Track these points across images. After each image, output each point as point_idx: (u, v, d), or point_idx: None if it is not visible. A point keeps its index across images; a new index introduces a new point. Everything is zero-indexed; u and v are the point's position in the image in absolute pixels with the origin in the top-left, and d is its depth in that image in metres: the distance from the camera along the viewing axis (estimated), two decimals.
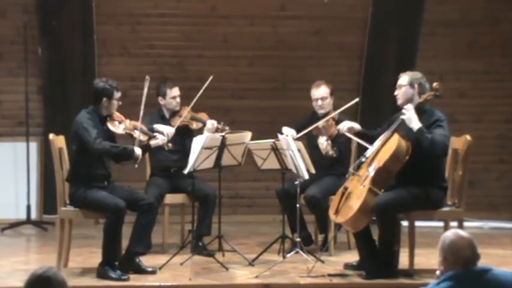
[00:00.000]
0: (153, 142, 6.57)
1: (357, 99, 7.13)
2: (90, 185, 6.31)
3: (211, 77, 7.19)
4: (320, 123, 7.06)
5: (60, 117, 8.85)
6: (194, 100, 7.19)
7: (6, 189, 8.99)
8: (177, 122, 7.21)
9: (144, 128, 6.55)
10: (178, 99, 7.39)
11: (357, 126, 6.55)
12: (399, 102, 6.32)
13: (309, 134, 7.19)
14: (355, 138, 6.57)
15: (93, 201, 6.27)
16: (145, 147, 6.54)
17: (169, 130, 6.78)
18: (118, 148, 6.28)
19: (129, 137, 6.42)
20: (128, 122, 6.45)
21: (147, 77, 6.57)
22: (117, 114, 6.44)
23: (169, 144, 6.74)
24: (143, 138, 6.46)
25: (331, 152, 6.86)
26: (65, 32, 8.95)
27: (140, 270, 6.29)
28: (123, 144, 6.44)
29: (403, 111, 6.17)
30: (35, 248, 8.20)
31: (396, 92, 6.33)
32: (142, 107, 6.45)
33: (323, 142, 6.92)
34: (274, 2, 9.20)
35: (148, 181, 7.34)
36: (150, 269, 6.34)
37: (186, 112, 7.29)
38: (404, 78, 6.31)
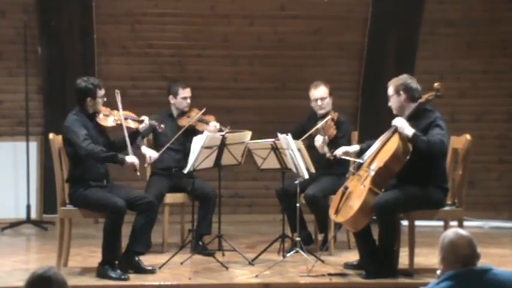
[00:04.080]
0: (141, 126, 6.61)
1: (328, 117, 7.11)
2: (89, 185, 6.31)
3: (204, 109, 7.24)
4: (319, 125, 7.05)
5: (60, 116, 8.75)
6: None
7: (6, 189, 8.99)
8: (185, 122, 7.25)
9: (132, 115, 6.60)
10: (188, 100, 7.44)
11: (353, 149, 6.56)
12: (394, 111, 6.33)
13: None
14: (352, 159, 6.56)
15: (93, 201, 6.28)
16: (136, 133, 6.58)
17: (152, 154, 6.81)
18: (107, 154, 6.27)
19: (119, 127, 6.45)
20: (115, 112, 6.49)
21: (117, 90, 6.52)
22: (103, 109, 6.46)
23: (162, 126, 6.90)
24: (133, 125, 6.52)
25: (328, 155, 6.81)
26: (64, 31, 8.95)
27: (139, 270, 6.29)
28: (117, 136, 6.54)
29: (393, 122, 6.17)
30: (35, 247, 8.19)
31: (389, 103, 6.34)
32: (120, 109, 6.46)
33: (319, 140, 6.92)
34: (274, 2, 9.20)
35: (149, 180, 7.35)
36: (149, 268, 6.34)
37: (194, 114, 7.31)
38: (390, 89, 6.30)
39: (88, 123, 6.35)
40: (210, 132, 7.12)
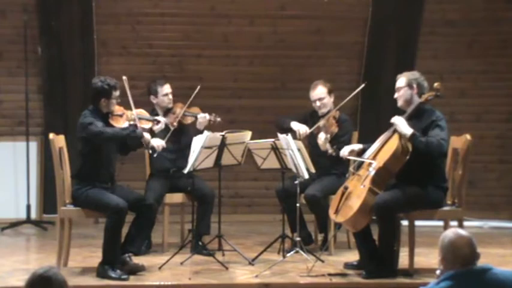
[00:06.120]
0: (156, 127, 6.64)
1: (362, 85, 7.25)
2: (94, 184, 6.31)
3: (198, 87, 7.21)
4: (321, 123, 7.08)
5: (60, 116, 8.86)
6: (188, 103, 7.24)
7: (6, 189, 9.00)
8: (172, 119, 7.24)
9: (146, 115, 6.64)
10: (170, 96, 7.42)
11: (357, 147, 6.57)
12: (399, 104, 6.31)
13: (309, 133, 7.20)
14: (357, 159, 6.56)
15: (95, 201, 6.28)
16: (150, 133, 6.59)
17: (159, 142, 6.77)
18: (127, 130, 6.30)
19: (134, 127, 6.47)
20: (129, 112, 6.49)
21: (124, 77, 6.54)
22: (117, 108, 6.46)
23: (175, 124, 7.07)
24: (147, 125, 6.55)
25: (330, 151, 6.84)
26: (64, 31, 8.95)
27: (127, 266, 6.24)
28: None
29: (392, 120, 6.16)
30: (35, 247, 8.19)
31: (396, 95, 6.33)
32: (132, 106, 6.46)
33: (321, 137, 6.92)
34: (274, 1, 9.20)
35: (148, 182, 7.33)
36: (137, 263, 6.31)
37: (179, 109, 7.31)
38: (401, 80, 6.30)
39: (102, 122, 6.35)
40: (201, 123, 7.16)
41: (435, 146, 6.00)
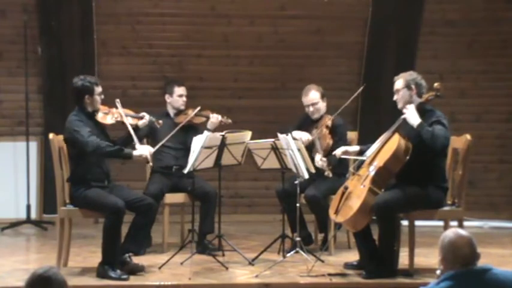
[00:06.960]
0: (140, 123, 6.64)
1: (359, 90, 7.21)
2: (90, 185, 6.31)
3: (198, 107, 7.27)
4: (315, 136, 7.03)
5: (60, 116, 8.78)
6: (192, 114, 7.27)
7: (6, 189, 9.00)
8: (182, 119, 7.25)
9: (131, 112, 6.64)
10: (184, 98, 7.48)
11: (352, 149, 6.56)
12: (399, 106, 6.30)
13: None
14: (352, 157, 6.56)
15: (93, 201, 6.28)
16: (136, 130, 6.57)
17: (149, 148, 6.55)
18: (113, 148, 6.27)
19: (120, 124, 6.48)
20: (114, 110, 6.50)
21: (117, 100, 6.53)
22: (102, 107, 6.47)
23: (160, 121, 6.94)
24: (132, 122, 6.55)
25: (326, 173, 6.76)
26: (64, 31, 8.95)
27: (127, 266, 6.24)
28: (118, 135, 6.55)
29: (404, 110, 6.17)
30: (35, 247, 8.19)
31: (395, 97, 6.33)
32: (119, 106, 6.47)
33: (318, 160, 6.86)
34: (274, 1, 9.20)
35: (150, 177, 7.36)
36: (137, 264, 6.31)
37: (191, 111, 7.33)
38: (399, 82, 6.29)
39: (88, 122, 6.36)
40: (213, 123, 7.16)
41: (441, 138, 5.97)
